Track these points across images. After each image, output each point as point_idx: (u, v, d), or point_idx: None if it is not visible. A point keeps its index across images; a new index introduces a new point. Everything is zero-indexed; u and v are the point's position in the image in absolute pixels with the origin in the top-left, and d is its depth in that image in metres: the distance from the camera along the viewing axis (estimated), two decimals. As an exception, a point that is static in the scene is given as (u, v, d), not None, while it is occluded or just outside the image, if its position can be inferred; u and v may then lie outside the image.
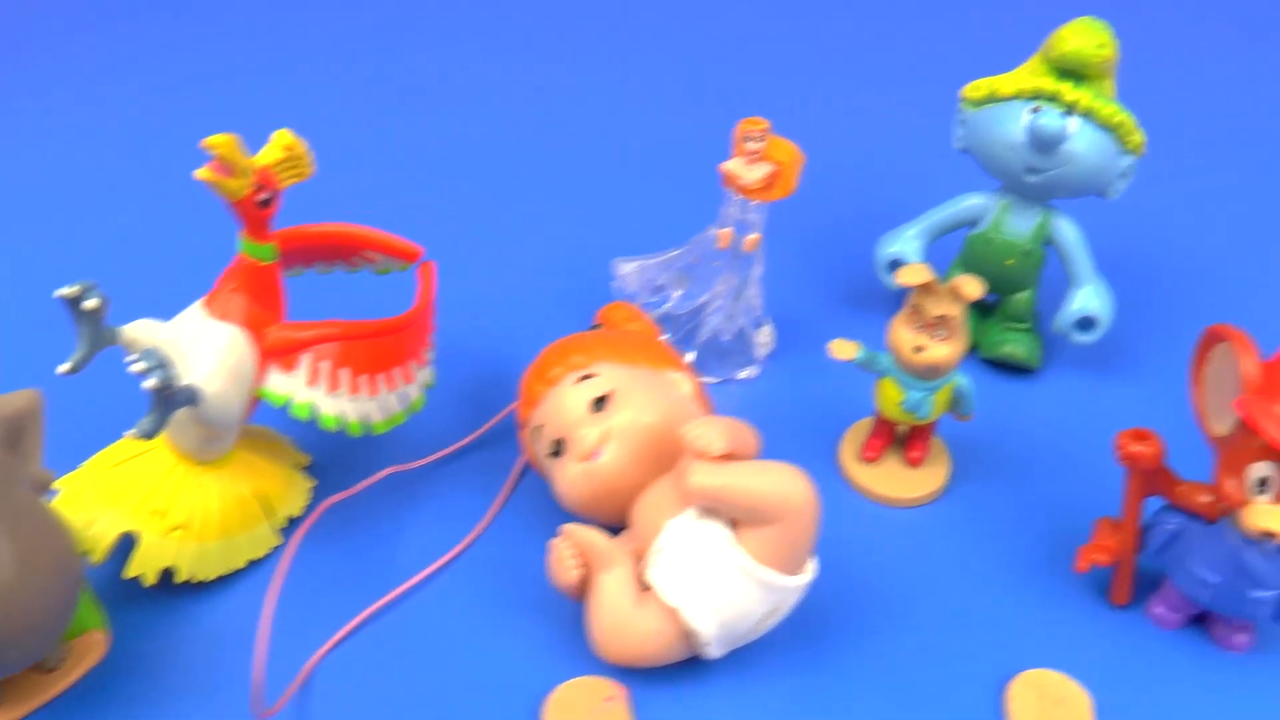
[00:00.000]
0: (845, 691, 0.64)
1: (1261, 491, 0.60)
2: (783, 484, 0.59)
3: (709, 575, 0.59)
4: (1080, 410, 0.80)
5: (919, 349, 0.68)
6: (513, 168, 1.02)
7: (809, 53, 1.23)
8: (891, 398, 0.71)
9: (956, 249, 0.83)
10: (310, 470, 0.74)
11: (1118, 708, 0.64)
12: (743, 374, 0.81)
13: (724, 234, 0.76)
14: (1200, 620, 0.68)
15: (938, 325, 0.67)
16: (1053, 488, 0.75)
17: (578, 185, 1.00)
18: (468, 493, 0.73)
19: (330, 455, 0.74)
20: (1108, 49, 0.73)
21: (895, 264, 0.82)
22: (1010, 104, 0.76)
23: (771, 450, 0.72)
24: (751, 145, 0.73)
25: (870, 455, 0.74)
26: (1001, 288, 0.82)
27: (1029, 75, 0.76)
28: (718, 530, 0.60)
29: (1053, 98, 0.75)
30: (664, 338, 0.79)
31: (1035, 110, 0.75)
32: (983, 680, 0.64)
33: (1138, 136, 0.76)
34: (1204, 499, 0.64)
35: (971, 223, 0.81)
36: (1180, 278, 0.93)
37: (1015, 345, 0.81)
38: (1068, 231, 0.79)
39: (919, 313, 0.67)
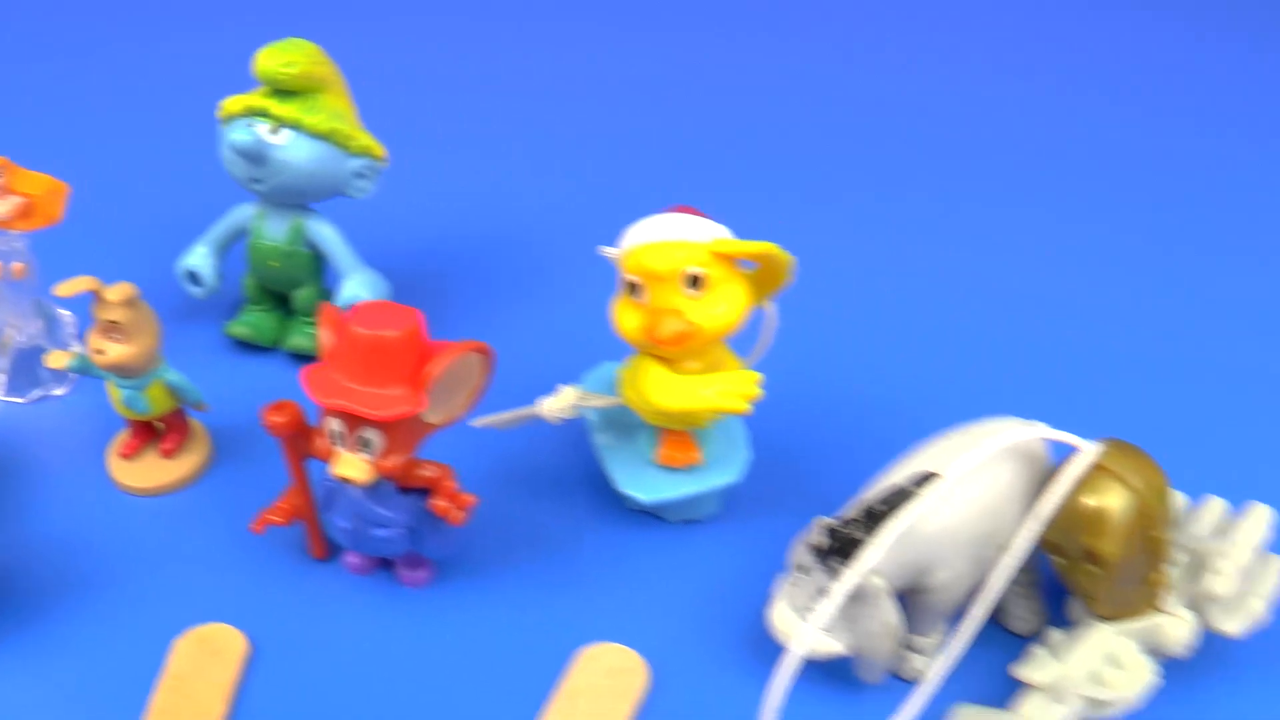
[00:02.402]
0: (36, 664, 0.71)
1: (339, 443, 0.69)
2: None
3: None
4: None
5: (99, 352, 0.76)
6: None
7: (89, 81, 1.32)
8: (115, 397, 0.79)
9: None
10: None
11: (286, 654, 0.72)
12: (56, 391, 0.88)
13: (-10, 265, 0.84)
14: (388, 564, 0.77)
15: (111, 329, 0.75)
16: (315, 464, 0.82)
17: None
18: None
19: None
20: (295, 67, 0.82)
21: (193, 276, 0.90)
22: (237, 121, 0.84)
23: (57, 452, 0.82)
24: (-9, 181, 0.81)
25: (126, 452, 0.82)
26: (285, 287, 0.90)
27: (251, 94, 0.84)
28: None
29: (264, 113, 0.83)
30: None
31: (246, 126, 0.83)
32: (164, 635, 0.73)
33: (360, 140, 0.85)
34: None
35: (245, 232, 0.89)
36: (468, 269, 1.03)
37: (304, 337, 0.90)
38: (323, 231, 0.88)
39: (96, 318, 0.75)
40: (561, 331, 0.95)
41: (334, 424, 0.68)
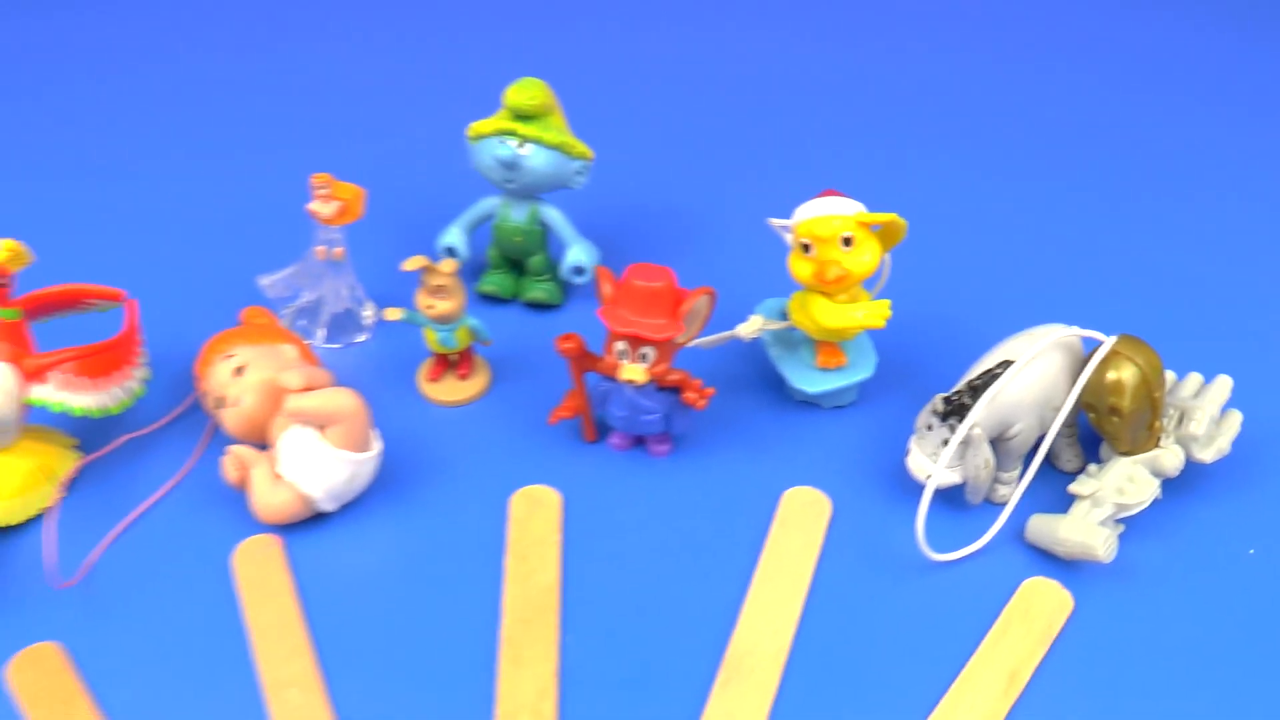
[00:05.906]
0: (415, 524, 1.05)
1: (624, 357, 1.05)
2: (338, 400, 1.01)
3: (310, 460, 1.01)
4: (589, 330, 1.22)
5: (430, 307, 1.11)
6: (179, 214, 1.42)
7: (372, 98, 1.68)
8: (432, 338, 1.14)
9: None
10: (84, 445, 1.10)
11: (584, 504, 1.05)
12: (359, 339, 1.23)
13: (320, 250, 1.18)
14: (640, 442, 1.13)
15: (438, 290, 1.11)
16: (564, 382, 1.17)
17: (217, 228, 1.39)
18: (182, 442, 1.14)
19: (95, 432, 1.12)
20: (537, 99, 1.15)
21: (450, 251, 1.25)
22: (488, 140, 1.19)
23: (376, 381, 1.14)
24: (321, 191, 1.15)
25: (433, 376, 1.17)
26: (522, 255, 1.25)
27: (497, 119, 1.18)
28: (310, 433, 1.02)
29: (511, 134, 1.18)
30: (294, 323, 1.21)
31: (501, 143, 1.18)
32: (498, 496, 1.06)
33: (579, 149, 1.19)
34: (608, 368, 1.08)
35: (491, 216, 1.24)
36: (651, 233, 1.39)
37: (538, 291, 1.25)
38: (551, 215, 1.22)
39: (426, 284, 1.11)
40: (726, 277, 1.30)
41: (620, 345, 1.03)
